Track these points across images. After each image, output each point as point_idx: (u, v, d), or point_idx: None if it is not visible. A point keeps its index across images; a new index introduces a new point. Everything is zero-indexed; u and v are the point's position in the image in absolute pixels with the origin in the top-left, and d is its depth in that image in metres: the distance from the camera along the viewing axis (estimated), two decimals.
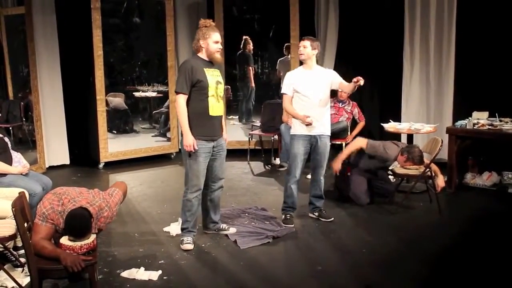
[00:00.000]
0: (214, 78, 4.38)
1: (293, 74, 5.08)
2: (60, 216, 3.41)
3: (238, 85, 8.87)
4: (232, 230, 4.84)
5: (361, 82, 4.64)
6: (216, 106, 4.40)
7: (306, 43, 4.93)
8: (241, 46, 8.40)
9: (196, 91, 4.31)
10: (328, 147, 5.10)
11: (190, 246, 4.47)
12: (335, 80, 5.02)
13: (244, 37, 8.38)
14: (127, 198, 5.86)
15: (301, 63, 5.17)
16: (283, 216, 5.12)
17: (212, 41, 4.35)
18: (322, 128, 5.01)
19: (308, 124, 4.89)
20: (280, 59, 8.26)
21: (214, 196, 4.71)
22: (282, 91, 5.10)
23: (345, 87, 5.03)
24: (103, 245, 4.49)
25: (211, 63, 4.42)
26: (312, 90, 4.94)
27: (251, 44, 8.44)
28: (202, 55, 4.41)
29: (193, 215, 4.54)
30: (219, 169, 4.61)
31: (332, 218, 5.17)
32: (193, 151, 4.31)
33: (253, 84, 8.70)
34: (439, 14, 7.00)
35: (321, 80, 4.99)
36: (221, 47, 4.44)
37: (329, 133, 5.10)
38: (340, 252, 4.47)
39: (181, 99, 4.30)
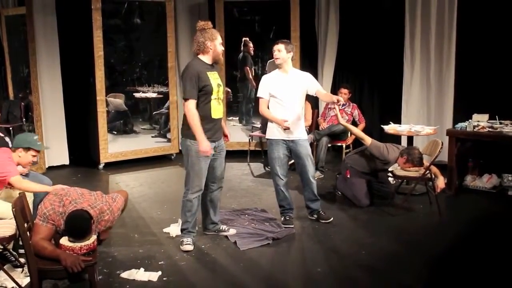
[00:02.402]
0: (216, 81, 4.41)
1: (268, 78, 5.05)
2: (61, 217, 3.41)
3: (238, 86, 8.87)
4: (232, 231, 4.84)
5: (341, 102, 4.84)
6: (217, 109, 4.44)
7: (281, 46, 4.92)
8: (241, 47, 8.40)
9: (201, 95, 4.33)
10: (308, 149, 5.06)
11: (190, 247, 4.47)
12: (311, 86, 5.02)
13: (243, 38, 8.38)
14: None
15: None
16: (283, 218, 5.11)
17: (219, 43, 4.41)
18: (299, 132, 4.99)
19: (286, 128, 4.87)
20: (270, 60, 8.25)
21: (213, 197, 4.72)
22: (258, 95, 5.07)
23: (322, 96, 5.09)
24: (103, 245, 4.48)
25: (211, 66, 4.45)
26: (288, 94, 4.93)
27: (251, 44, 8.43)
28: (205, 57, 4.41)
29: (193, 216, 4.54)
30: (219, 169, 4.64)
31: (332, 218, 5.17)
32: (209, 155, 4.36)
33: (254, 84, 8.67)
34: (440, 16, 7.01)
35: (297, 84, 4.98)
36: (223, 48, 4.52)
37: (306, 137, 5.10)
38: (339, 254, 4.48)
39: (192, 105, 4.29)
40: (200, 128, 4.27)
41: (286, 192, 5.09)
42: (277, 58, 4.96)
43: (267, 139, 5.12)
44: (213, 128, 4.43)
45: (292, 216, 5.14)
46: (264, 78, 5.10)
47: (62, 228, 3.43)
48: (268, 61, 8.25)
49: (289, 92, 4.94)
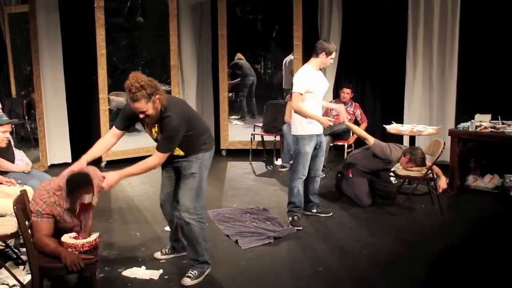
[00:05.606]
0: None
1: (309, 74, 4.97)
2: (56, 205, 3.39)
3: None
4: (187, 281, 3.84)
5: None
6: None
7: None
8: (236, 59, 8.47)
9: None
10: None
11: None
12: None
13: (237, 53, 8.50)
14: (128, 197, 5.92)
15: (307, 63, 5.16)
16: (291, 218, 5.06)
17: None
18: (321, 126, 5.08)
19: (329, 126, 5.05)
20: (289, 59, 8.33)
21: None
22: (296, 90, 4.91)
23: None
24: (105, 243, 4.49)
25: None
26: (323, 90, 5.11)
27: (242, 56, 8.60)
28: None
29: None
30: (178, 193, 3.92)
31: (331, 213, 5.25)
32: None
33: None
34: (443, 15, 7.00)
35: (325, 79, 5.20)
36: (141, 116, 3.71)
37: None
38: (341, 253, 4.48)
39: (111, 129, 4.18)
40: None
41: (301, 190, 5.09)
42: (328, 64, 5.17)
43: (301, 135, 4.98)
44: None
45: (300, 217, 5.11)
46: (304, 75, 4.97)
47: (65, 207, 3.39)
48: (288, 60, 8.27)
49: (324, 87, 5.11)
